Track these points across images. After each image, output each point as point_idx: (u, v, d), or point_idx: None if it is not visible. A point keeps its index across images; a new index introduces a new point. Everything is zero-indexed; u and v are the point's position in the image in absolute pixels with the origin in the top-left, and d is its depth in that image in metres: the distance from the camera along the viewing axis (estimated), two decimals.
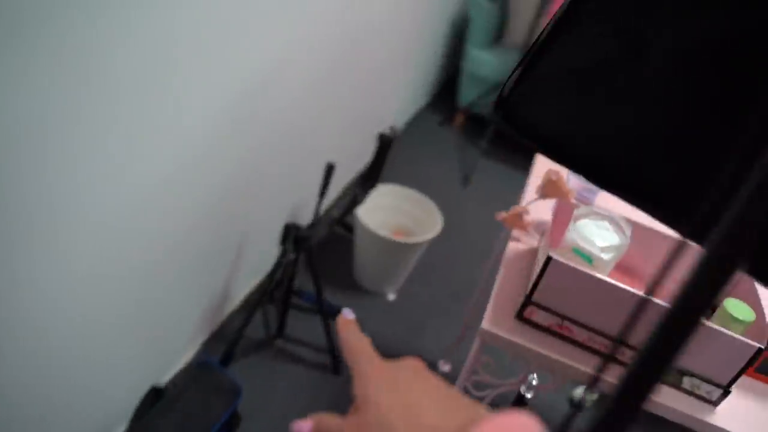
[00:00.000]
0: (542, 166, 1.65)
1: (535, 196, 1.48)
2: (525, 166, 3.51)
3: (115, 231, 1.18)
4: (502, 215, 1.32)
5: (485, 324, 1.09)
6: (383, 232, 2.20)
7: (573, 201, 1.29)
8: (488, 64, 3.37)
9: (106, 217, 1.13)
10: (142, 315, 1.43)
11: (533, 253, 1.30)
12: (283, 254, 1.72)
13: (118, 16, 0.95)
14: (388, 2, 2.26)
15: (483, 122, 3.67)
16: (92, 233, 1.12)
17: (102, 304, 1.25)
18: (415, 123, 3.57)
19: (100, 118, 1.01)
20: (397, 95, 3.07)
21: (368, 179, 2.14)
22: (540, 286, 1.07)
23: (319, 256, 2.40)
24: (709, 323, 1.00)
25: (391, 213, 2.46)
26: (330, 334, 1.88)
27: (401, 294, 2.34)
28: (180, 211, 1.40)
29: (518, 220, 1.30)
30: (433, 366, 2.06)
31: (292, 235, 1.70)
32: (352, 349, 0.40)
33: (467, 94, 3.52)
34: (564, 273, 1.04)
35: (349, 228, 2.53)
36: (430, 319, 2.26)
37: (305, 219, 2.37)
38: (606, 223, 1.13)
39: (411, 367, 0.39)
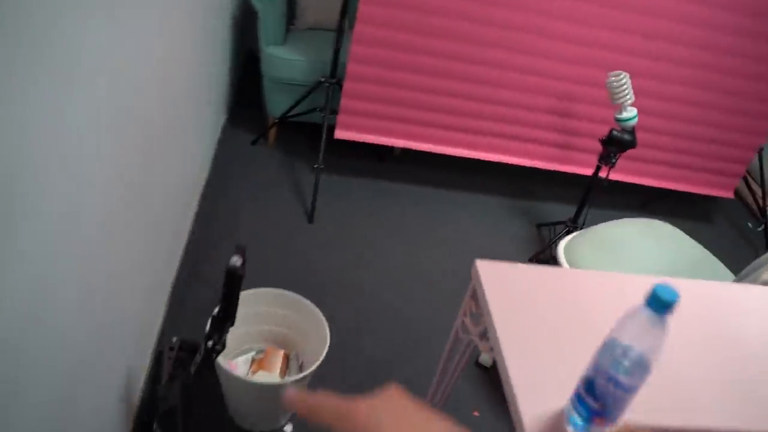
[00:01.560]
0: None
1: None
2: (377, 171, 3.00)
3: None
4: None
5: None
6: (259, 378, 1.61)
7: None
8: (290, 63, 2.74)
9: None
10: None
11: None
12: None
13: None
14: (153, 53, 1.54)
15: (308, 132, 3.02)
16: None
17: None
18: (222, 152, 2.86)
19: None
20: (200, 140, 2.35)
21: (223, 321, 1.51)
22: None
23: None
24: None
25: (255, 322, 1.85)
26: None
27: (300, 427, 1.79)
28: None
29: None
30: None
31: None
32: (322, 407, 0.42)
33: (276, 101, 2.87)
34: None
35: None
36: None
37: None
38: None
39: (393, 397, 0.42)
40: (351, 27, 2.68)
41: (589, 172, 2.90)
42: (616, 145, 2.29)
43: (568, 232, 2.58)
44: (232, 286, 1.42)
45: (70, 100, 0.97)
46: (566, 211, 3.02)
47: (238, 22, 3.03)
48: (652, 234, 2.01)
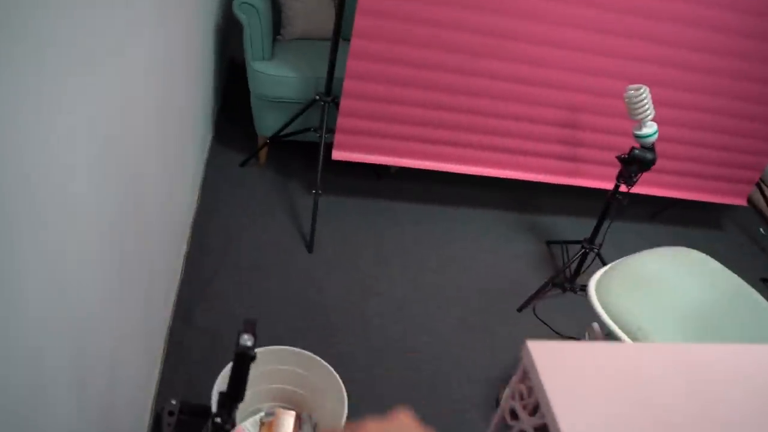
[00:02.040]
0: None
1: None
2: (374, 189, 2.83)
3: None
4: None
5: None
6: None
7: None
8: (280, 79, 2.54)
9: None
10: None
11: None
12: None
13: None
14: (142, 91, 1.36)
15: (301, 150, 2.82)
16: None
17: None
18: (211, 176, 2.67)
19: None
20: (185, 171, 2.17)
21: (233, 399, 1.35)
22: None
23: None
24: None
25: (263, 381, 1.68)
26: None
27: None
28: None
29: None
30: None
31: None
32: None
33: (266, 120, 2.68)
34: None
35: None
36: None
37: None
38: None
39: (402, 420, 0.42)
40: (345, 39, 2.50)
41: (598, 184, 2.77)
42: (637, 164, 2.15)
43: (585, 254, 2.44)
44: (243, 366, 1.26)
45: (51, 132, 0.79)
46: (575, 226, 2.89)
47: (221, 29, 2.82)
48: (686, 266, 1.88)
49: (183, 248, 2.23)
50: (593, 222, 2.40)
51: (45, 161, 0.78)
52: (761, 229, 3.19)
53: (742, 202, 2.96)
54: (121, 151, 1.18)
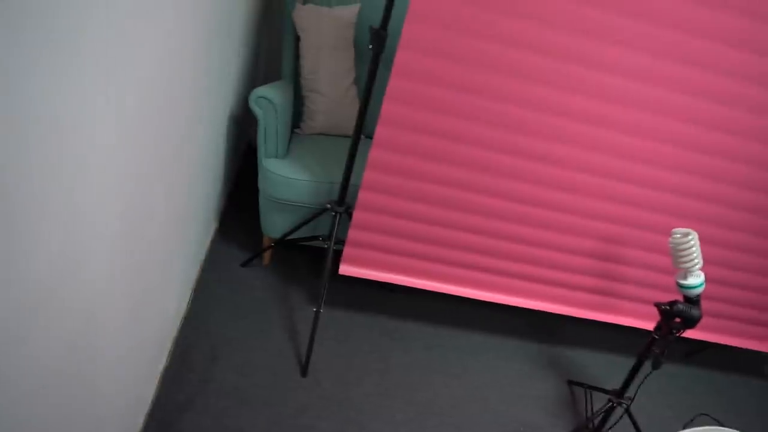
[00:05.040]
0: None
1: None
2: (383, 303, 2.59)
3: None
4: None
5: None
6: None
7: None
8: (292, 182, 2.35)
9: None
10: None
11: None
12: None
13: None
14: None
15: (309, 252, 2.61)
16: None
17: None
18: (207, 275, 2.45)
19: None
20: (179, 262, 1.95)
21: None
22: None
23: None
24: None
25: None
26: None
27: None
28: None
29: None
30: None
31: None
32: None
33: (273, 222, 2.48)
34: None
35: None
36: None
37: None
38: None
39: None
40: (368, 136, 2.32)
41: (632, 323, 2.50)
42: (681, 322, 1.89)
43: (611, 408, 2.15)
44: None
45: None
46: (602, 363, 2.61)
47: (237, 116, 2.67)
48: None
49: (161, 364, 1.99)
50: (622, 360, 2.13)
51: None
52: None
53: None
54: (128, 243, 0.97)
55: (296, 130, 2.71)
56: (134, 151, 1.21)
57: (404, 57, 1.83)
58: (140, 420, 1.80)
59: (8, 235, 0.75)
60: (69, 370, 1.07)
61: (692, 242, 1.87)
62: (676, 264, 1.91)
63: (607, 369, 2.59)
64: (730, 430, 1.71)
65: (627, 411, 2.14)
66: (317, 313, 2.17)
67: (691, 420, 2.46)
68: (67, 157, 0.88)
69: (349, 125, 2.69)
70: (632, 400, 2.12)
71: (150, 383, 1.87)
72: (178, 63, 1.45)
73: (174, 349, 2.10)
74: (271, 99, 2.27)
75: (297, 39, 2.66)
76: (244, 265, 2.57)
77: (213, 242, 2.64)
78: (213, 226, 2.66)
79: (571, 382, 2.48)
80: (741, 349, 2.86)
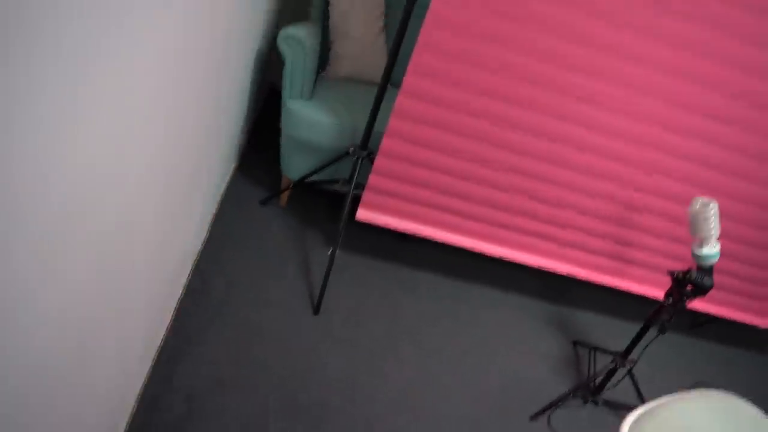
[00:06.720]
0: None
1: None
2: (397, 252, 2.62)
3: None
4: None
5: None
6: None
7: None
8: (316, 124, 2.35)
9: None
10: None
11: None
12: None
13: None
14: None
15: (326, 196, 2.63)
16: None
17: None
18: (225, 212, 2.48)
19: None
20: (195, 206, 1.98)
21: None
22: None
23: None
24: None
25: None
26: None
27: None
28: None
29: None
30: None
31: None
32: None
33: (293, 163, 2.49)
34: None
35: None
36: None
37: None
38: None
39: None
40: (394, 85, 2.31)
41: (644, 290, 2.53)
42: (693, 289, 1.91)
43: (614, 368, 2.19)
44: None
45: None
46: (607, 327, 2.64)
47: (262, 55, 2.66)
48: (731, 422, 1.63)
49: (179, 291, 2.04)
50: (627, 325, 2.16)
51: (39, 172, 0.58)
52: None
53: None
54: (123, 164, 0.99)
55: (322, 74, 2.70)
56: (173, 84, 1.22)
57: (439, 5, 1.81)
58: (161, 333, 1.87)
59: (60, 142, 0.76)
60: (99, 288, 1.11)
61: (712, 212, 1.87)
62: (694, 232, 1.91)
63: (613, 333, 2.63)
64: (726, 393, 1.75)
65: (629, 372, 2.19)
66: (333, 253, 2.20)
67: (690, 388, 2.51)
68: (116, 86, 0.89)
69: (375, 72, 2.67)
70: (635, 362, 2.16)
71: (172, 298, 1.93)
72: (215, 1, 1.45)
73: (192, 271, 2.15)
74: (300, 39, 2.26)
75: None
76: (264, 202, 2.60)
77: (232, 180, 2.66)
78: (233, 164, 2.68)
79: (576, 343, 2.52)
80: (744, 324, 2.88)
